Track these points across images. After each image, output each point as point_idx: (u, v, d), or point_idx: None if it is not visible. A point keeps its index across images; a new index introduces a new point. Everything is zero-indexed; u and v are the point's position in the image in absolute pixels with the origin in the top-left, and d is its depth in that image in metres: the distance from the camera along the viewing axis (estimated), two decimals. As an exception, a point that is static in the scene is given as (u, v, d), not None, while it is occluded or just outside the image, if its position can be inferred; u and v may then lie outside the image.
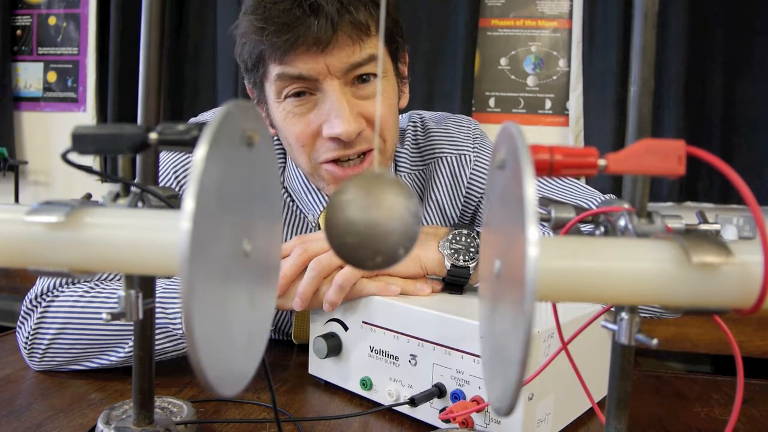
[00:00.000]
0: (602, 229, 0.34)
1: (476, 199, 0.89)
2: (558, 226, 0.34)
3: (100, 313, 0.66)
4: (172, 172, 0.82)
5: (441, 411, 0.55)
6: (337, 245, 0.30)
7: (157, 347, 0.65)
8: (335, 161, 0.74)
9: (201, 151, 0.25)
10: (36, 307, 0.69)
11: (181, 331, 0.66)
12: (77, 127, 0.34)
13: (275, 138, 0.84)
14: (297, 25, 0.66)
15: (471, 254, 0.66)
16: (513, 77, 1.89)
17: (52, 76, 2.17)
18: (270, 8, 0.67)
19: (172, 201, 0.37)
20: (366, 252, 0.29)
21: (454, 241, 0.67)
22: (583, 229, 0.35)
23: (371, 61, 0.71)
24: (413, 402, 0.55)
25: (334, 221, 0.29)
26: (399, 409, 0.59)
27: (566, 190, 0.86)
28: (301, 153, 0.75)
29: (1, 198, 2.15)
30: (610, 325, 0.34)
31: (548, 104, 1.88)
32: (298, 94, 0.71)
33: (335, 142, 0.72)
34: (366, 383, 0.62)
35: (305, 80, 0.70)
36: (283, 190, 0.86)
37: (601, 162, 0.29)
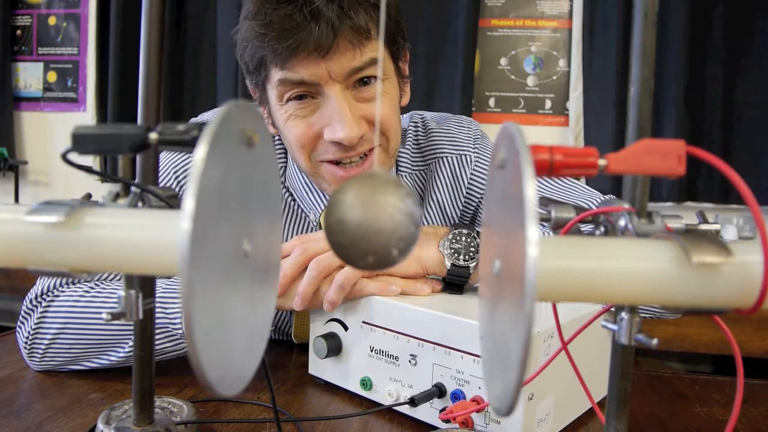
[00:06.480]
0: (602, 229, 0.34)
1: (477, 199, 0.89)
2: (558, 226, 0.34)
3: (100, 313, 0.66)
4: (172, 172, 0.82)
5: (441, 411, 0.55)
6: (332, 244, 0.30)
7: (157, 347, 0.65)
8: (336, 162, 0.74)
9: (201, 151, 0.25)
10: (36, 307, 0.69)
11: (181, 331, 0.66)
12: (77, 127, 0.33)
13: (276, 137, 0.84)
14: (298, 31, 0.66)
15: (471, 254, 0.66)
16: (513, 77, 1.89)
17: (52, 76, 2.17)
18: (271, 14, 0.67)
19: (172, 201, 0.37)
20: (357, 251, 0.29)
21: (454, 241, 0.67)
22: (583, 229, 0.35)
23: (372, 65, 0.71)
24: (413, 402, 0.55)
25: (327, 220, 0.30)
26: (399, 409, 0.59)
27: (566, 190, 0.86)
28: (301, 153, 0.75)
29: (1, 198, 2.15)
30: (610, 325, 0.34)
31: (548, 104, 1.88)
32: (299, 97, 0.72)
33: (336, 145, 0.72)
34: (366, 383, 0.62)
35: (307, 85, 0.70)
36: (284, 190, 0.86)
37: (601, 162, 0.29)
